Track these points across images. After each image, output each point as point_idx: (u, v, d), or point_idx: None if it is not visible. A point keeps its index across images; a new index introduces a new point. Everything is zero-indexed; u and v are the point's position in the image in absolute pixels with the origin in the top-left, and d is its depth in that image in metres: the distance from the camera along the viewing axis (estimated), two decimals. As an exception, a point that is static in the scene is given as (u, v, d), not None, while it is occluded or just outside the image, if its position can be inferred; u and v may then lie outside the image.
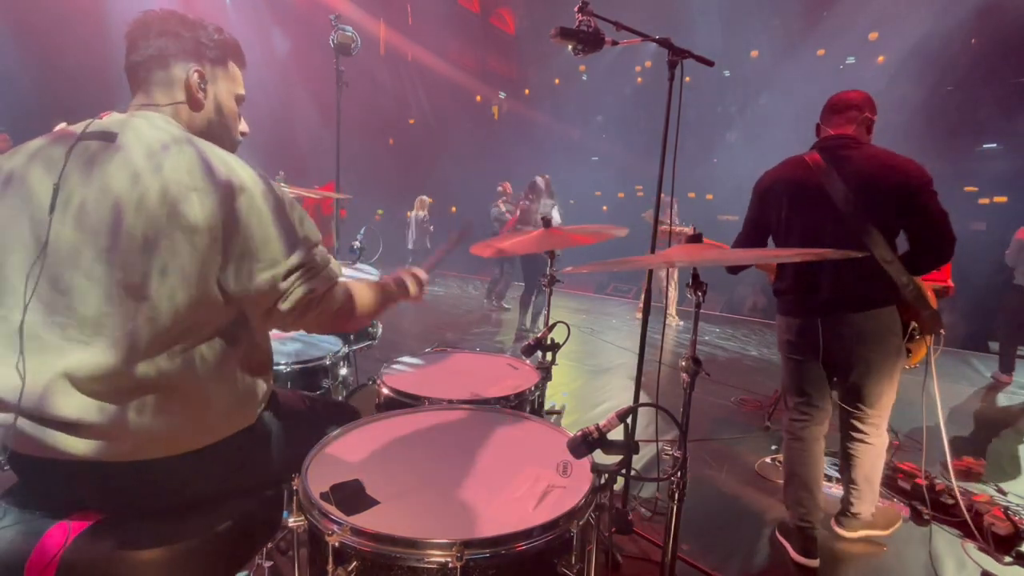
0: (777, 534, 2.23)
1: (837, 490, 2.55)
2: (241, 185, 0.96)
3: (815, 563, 2.04)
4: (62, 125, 1.06)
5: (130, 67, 1.07)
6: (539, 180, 5.40)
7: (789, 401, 2.12)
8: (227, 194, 0.95)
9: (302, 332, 2.20)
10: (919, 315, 1.90)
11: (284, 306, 1.02)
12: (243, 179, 0.97)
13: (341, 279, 1.13)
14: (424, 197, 8.91)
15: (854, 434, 2.04)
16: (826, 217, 1.84)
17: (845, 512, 2.16)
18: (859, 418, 2.02)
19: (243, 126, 1.21)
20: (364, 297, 1.20)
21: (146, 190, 0.92)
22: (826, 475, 2.56)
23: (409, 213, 8.95)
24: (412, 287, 1.38)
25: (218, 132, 1.13)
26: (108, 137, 0.97)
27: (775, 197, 1.97)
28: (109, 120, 1.01)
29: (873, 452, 2.03)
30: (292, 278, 1.01)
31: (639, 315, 6.34)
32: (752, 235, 2.07)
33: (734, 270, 2.16)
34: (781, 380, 2.16)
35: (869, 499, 2.10)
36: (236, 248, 0.96)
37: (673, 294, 6.43)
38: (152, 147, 0.96)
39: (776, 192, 1.96)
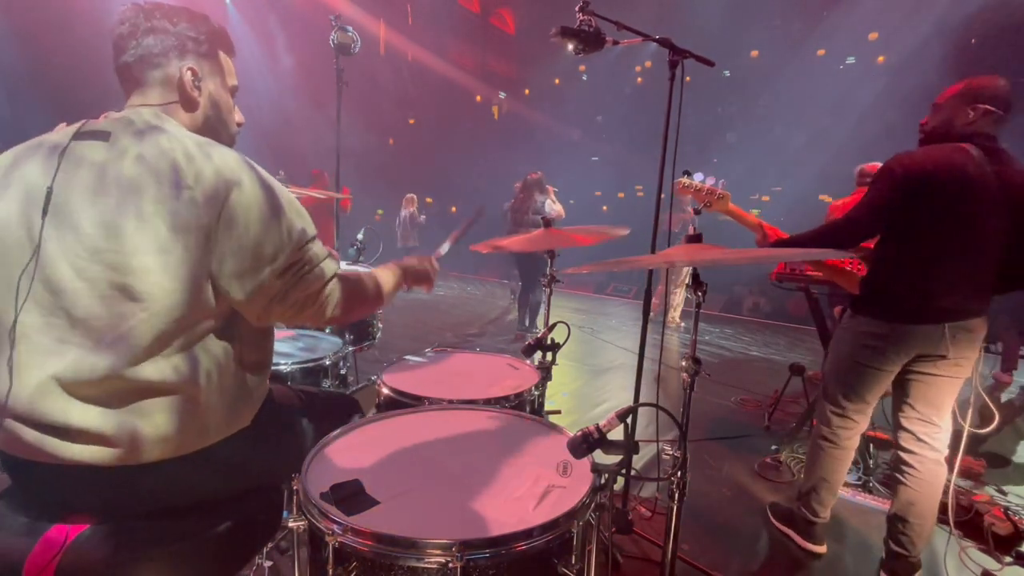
0: (776, 522, 2.24)
1: (842, 491, 2.55)
2: (235, 182, 0.95)
3: (823, 549, 2.07)
4: (61, 126, 1.05)
5: (121, 68, 1.05)
6: (531, 176, 5.41)
7: (839, 406, 1.97)
8: (219, 192, 0.93)
9: (302, 331, 2.21)
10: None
11: (279, 306, 1.02)
12: (237, 176, 0.95)
13: (339, 272, 1.12)
14: (411, 195, 8.92)
15: (928, 454, 1.84)
16: (984, 220, 1.69)
17: (903, 558, 1.87)
18: (934, 435, 1.84)
19: (239, 116, 1.19)
20: (365, 292, 1.19)
21: (136, 189, 0.91)
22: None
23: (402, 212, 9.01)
24: (410, 278, 1.40)
25: (215, 127, 1.12)
26: (101, 137, 0.96)
27: (936, 188, 1.67)
28: (105, 121, 1.00)
29: (944, 474, 1.85)
30: (287, 276, 1.00)
31: (657, 310, 6.30)
32: (874, 225, 1.78)
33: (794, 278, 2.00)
34: (833, 384, 1.99)
35: (929, 533, 1.88)
36: (229, 247, 0.94)
37: (680, 296, 6.43)
38: (145, 146, 0.94)
39: (937, 184, 1.67)
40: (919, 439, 1.85)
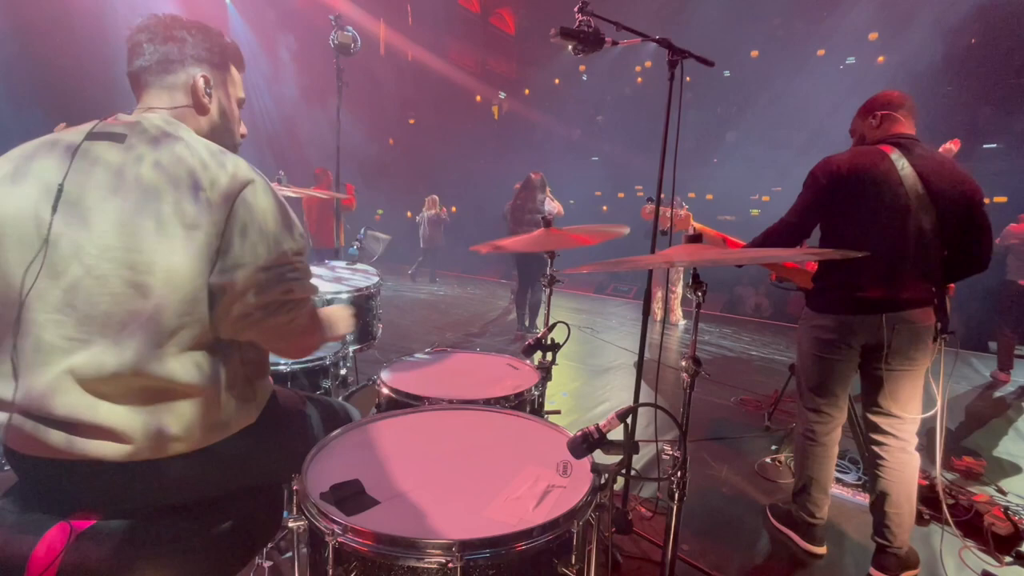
0: (776, 523, 2.26)
1: (842, 491, 2.56)
2: (243, 185, 0.98)
3: (823, 550, 2.09)
4: (62, 125, 1.06)
5: (134, 72, 1.08)
6: (532, 176, 5.37)
7: (811, 402, 2.04)
8: (228, 193, 0.96)
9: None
10: (943, 316, 1.87)
11: (253, 299, 0.98)
12: (245, 179, 0.99)
13: (315, 298, 1.14)
14: (434, 196, 9.17)
15: (894, 443, 1.90)
16: (905, 213, 1.77)
17: (887, 550, 1.92)
18: (898, 426, 1.90)
19: (243, 128, 1.23)
20: (321, 324, 1.19)
21: (149, 189, 0.93)
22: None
23: (419, 214, 9.24)
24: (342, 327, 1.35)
25: (221, 135, 1.15)
26: (116, 138, 0.98)
27: (854, 186, 1.80)
28: (116, 122, 1.02)
29: (916, 463, 1.91)
30: (270, 272, 1.00)
31: (659, 318, 6.31)
32: (805, 226, 1.91)
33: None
34: (803, 381, 2.06)
35: (910, 523, 1.92)
36: (229, 246, 0.96)
37: (679, 293, 6.43)
38: (159, 146, 0.97)
39: (855, 182, 1.80)
40: (883, 431, 1.93)
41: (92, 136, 0.99)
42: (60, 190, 0.94)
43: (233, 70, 1.17)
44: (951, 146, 3.67)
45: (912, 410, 1.90)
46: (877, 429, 1.94)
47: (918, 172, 1.78)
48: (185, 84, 1.08)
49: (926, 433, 1.97)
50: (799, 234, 1.93)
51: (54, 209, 0.93)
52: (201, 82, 1.08)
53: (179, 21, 1.09)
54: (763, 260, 1.71)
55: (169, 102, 1.07)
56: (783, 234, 1.93)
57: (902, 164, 1.79)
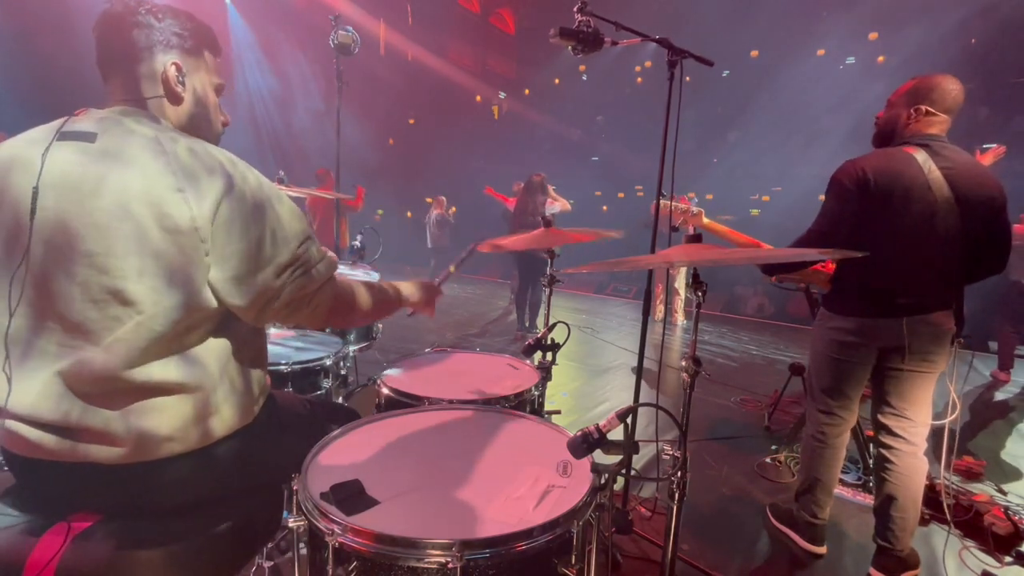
0: (776, 523, 2.25)
1: (842, 491, 2.56)
2: (229, 184, 0.94)
3: (823, 550, 2.09)
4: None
5: (103, 63, 1.03)
6: (533, 178, 5.35)
7: (823, 404, 2.01)
8: (215, 193, 0.92)
9: (302, 332, 2.21)
10: (959, 320, 1.84)
11: (277, 304, 1.02)
12: (231, 176, 0.95)
13: (338, 275, 1.13)
14: (441, 197, 9.25)
15: (905, 448, 1.88)
16: (932, 217, 1.73)
17: (888, 551, 1.91)
18: (910, 430, 1.88)
19: (224, 116, 1.17)
20: (361, 297, 1.21)
21: (129, 191, 0.89)
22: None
23: (427, 215, 9.36)
24: (414, 296, 1.41)
25: (200, 124, 1.10)
26: (86, 137, 0.93)
27: (881, 191, 1.74)
28: (86, 118, 0.97)
29: (924, 469, 1.89)
30: (284, 276, 1.00)
31: (659, 316, 6.29)
32: (834, 234, 1.80)
33: (771, 269, 1.99)
34: (815, 383, 2.03)
35: (914, 527, 1.92)
36: (225, 249, 0.93)
37: (683, 296, 6.44)
38: (134, 146, 0.92)
39: (883, 187, 1.74)
40: (894, 434, 1.91)
41: (63, 135, 0.94)
42: (35, 193, 0.90)
43: (207, 55, 1.09)
44: (998, 150, 3.59)
45: (924, 413, 1.88)
46: (888, 432, 1.92)
47: (946, 176, 1.73)
48: (156, 74, 1.02)
49: (931, 434, 1.95)
50: (829, 243, 1.81)
51: (32, 212, 0.89)
52: (172, 71, 1.03)
53: (145, 5, 1.01)
54: (764, 260, 1.69)
55: (141, 93, 1.02)
56: (812, 244, 1.82)
57: (929, 167, 1.73)
